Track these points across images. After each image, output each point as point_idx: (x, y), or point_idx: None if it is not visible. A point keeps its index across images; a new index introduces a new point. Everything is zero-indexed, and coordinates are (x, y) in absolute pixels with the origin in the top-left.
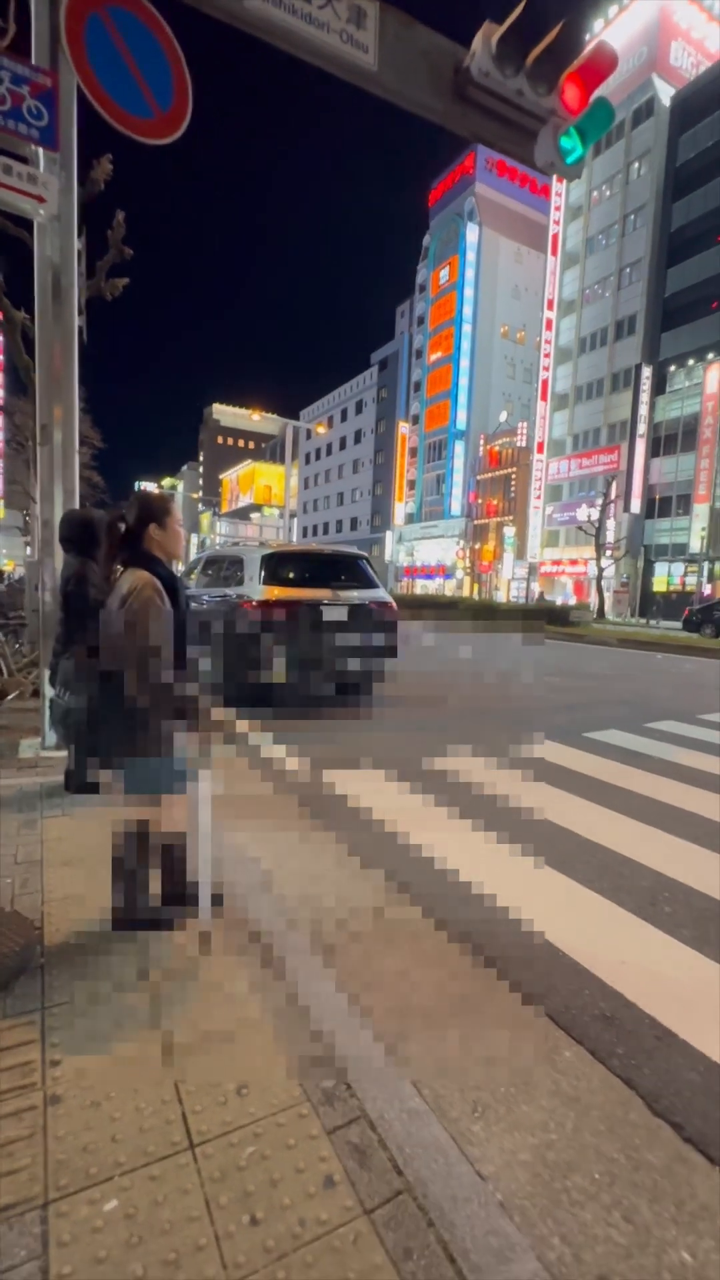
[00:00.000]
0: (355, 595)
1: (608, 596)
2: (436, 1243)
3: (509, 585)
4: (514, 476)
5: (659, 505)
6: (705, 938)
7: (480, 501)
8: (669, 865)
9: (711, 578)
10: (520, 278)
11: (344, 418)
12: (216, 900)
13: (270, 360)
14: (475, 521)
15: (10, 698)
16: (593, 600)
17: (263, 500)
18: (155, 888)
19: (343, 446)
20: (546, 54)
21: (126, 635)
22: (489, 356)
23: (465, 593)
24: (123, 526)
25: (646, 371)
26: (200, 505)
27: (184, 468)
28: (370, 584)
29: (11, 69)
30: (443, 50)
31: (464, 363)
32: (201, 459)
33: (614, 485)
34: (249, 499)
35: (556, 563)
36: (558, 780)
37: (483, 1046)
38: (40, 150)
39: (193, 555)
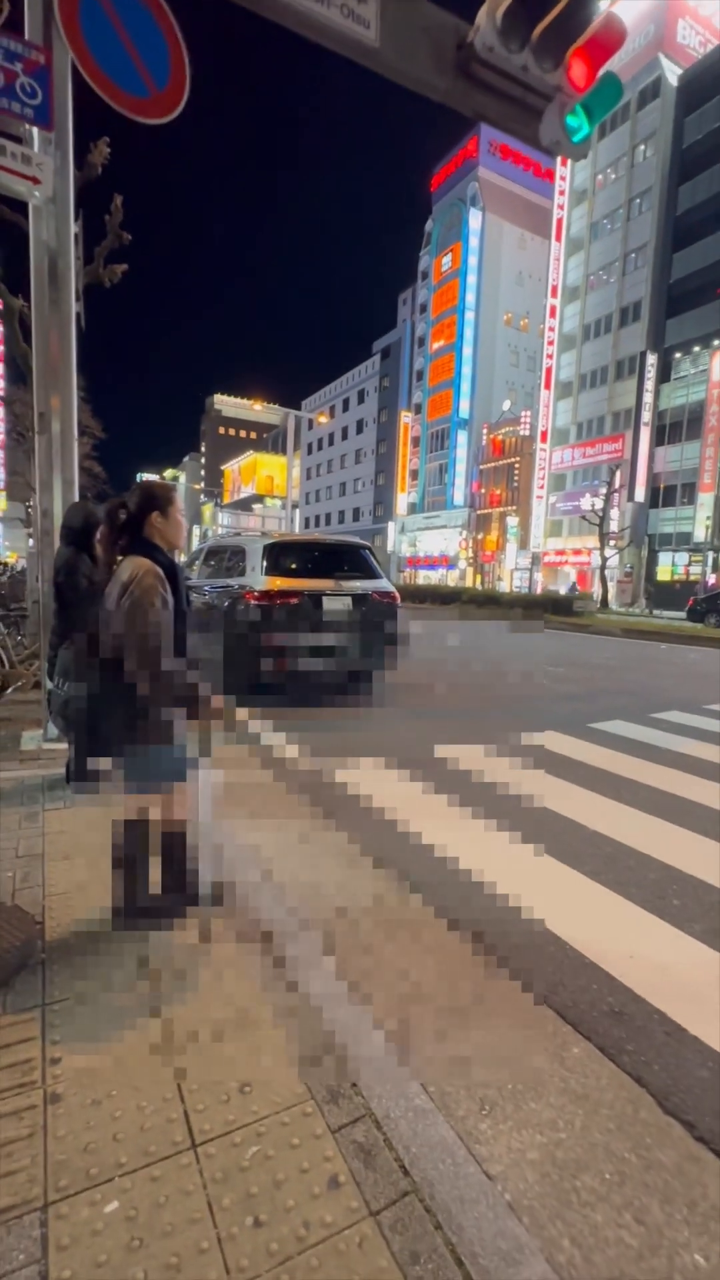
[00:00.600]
0: (358, 586)
1: (611, 586)
2: (444, 1245)
3: (512, 575)
4: (517, 466)
5: (663, 494)
6: (715, 931)
7: (483, 491)
8: (677, 857)
9: (716, 567)
10: (524, 264)
11: (346, 407)
12: (219, 892)
13: (272, 350)
14: (478, 511)
15: (12, 690)
16: (596, 590)
17: (265, 491)
18: (157, 879)
19: (345, 436)
20: (553, 28)
21: (127, 623)
22: (492, 344)
23: (468, 583)
24: (123, 514)
25: (651, 359)
26: (202, 496)
27: (186, 458)
28: (373, 574)
29: (4, 45)
30: (445, 25)
31: (467, 350)
32: (203, 450)
33: (618, 474)
34: (251, 490)
35: (560, 553)
36: (562, 771)
37: (489, 1043)
38: (35, 130)
39: (194, 546)
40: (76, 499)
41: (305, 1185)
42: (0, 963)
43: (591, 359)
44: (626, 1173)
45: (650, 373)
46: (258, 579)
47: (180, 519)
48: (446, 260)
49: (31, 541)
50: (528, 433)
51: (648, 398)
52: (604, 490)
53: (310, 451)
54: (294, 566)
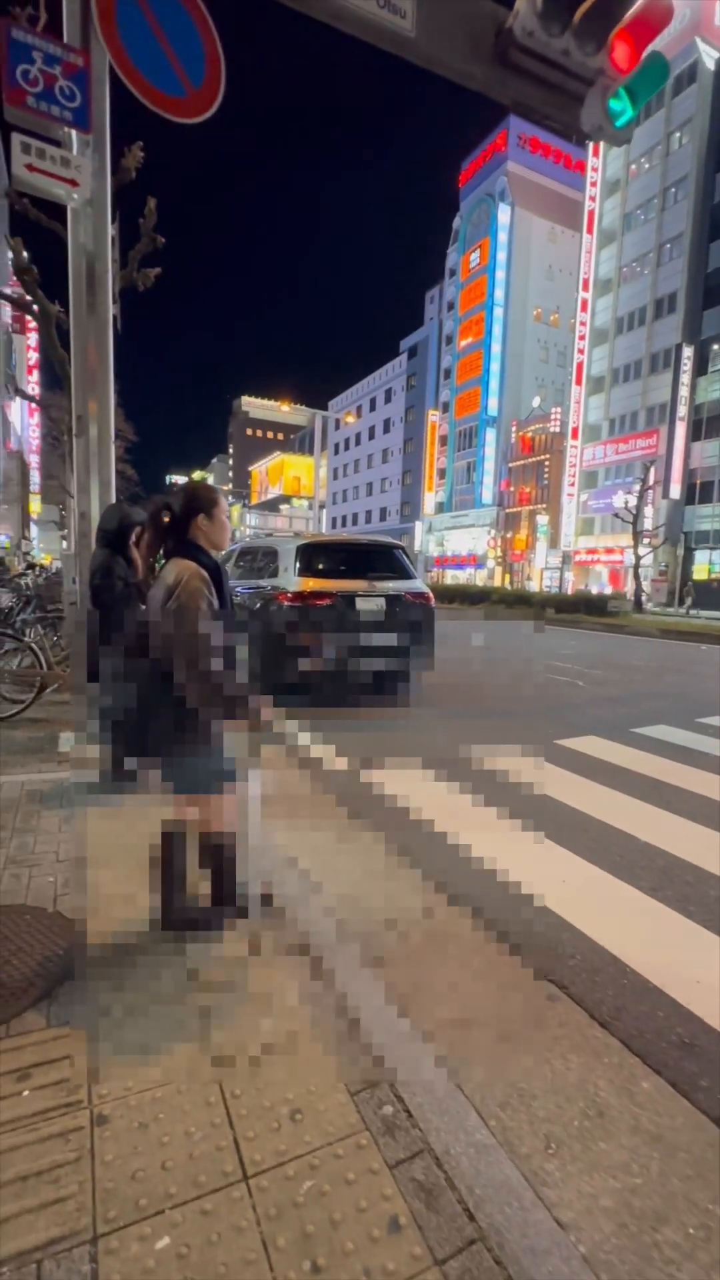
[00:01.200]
0: (391, 586)
1: (645, 585)
2: None
3: (542, 575)
4: (547, 463)
5: (700, 490)
6: None
7: (512, 489)
8: None
9: None
10: (554, 258)
11: (373, 407)
12: (266, 902)
13: (300, 351)
14: (507, 510)
15: (49, 690)
16: (629, 589)
17: (291, 491)
18: (202, 888)
19: (372, 436)
20: (596, 9)
21: (174, 627)
22: (521, 340)
23: (497, 583)
24: (167, 517)
25: (688, 351)
26: (230, 497)
27: (214, 460)
28: (407, 574)
29: (43, 48)
30: (483, 12)
31: (495, 347)
32: (231, 451)
33: (652, 470)
34: (278, 490)
35: (591, 551)
36: (606, 777)
37: (550, 1073)
38: (73, 133)
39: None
40: (113, 501)
41: (364, 1226)
42: (43, 972)
43: (625, 353)
44: (712, 1228)
45: (686, 366)
46: (290, 580)
47: (225, 521)
48: (475, 256)
49: (66, 544)
50: (558, 429)
51: (683, 391)
52: (637, 487)
53: (337, 451)
54: (327, 567)
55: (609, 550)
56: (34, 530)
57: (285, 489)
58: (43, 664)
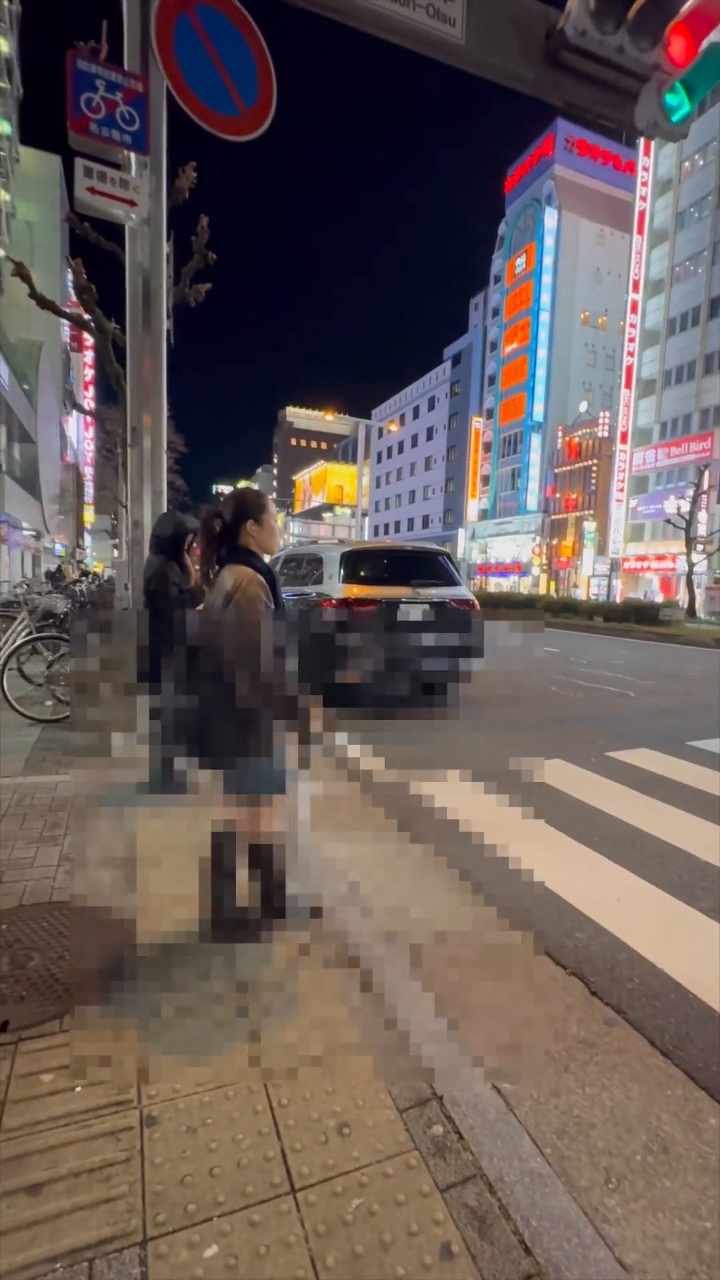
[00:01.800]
0: (435, 593)
1: (699, 593)
2: None
3: (589, 582)
4: (595, 469)
5: None
6: None
7: (558, 496)
8: None
9: None
10: (602, 260)
11: (416, 415)
12: (315, 911)
13: (343, 361)
14: (552, 517)
15: None
16: (682, 598)
17: (334, 500)
18: (252, 893)
19: (414, 444)
20: (651, 4)
21: (234, 632)
22: (568, 345)
23: (542, 590)
24: (218, 524)
25: None
26: (274, 506)
27: (258, 470)
28: (452, 581)
29: (105, 77)
30: (534, 14)
31: (541, 352)
32: (275, 461)
33: (706, 475)
34: (321, 499)
35: (641, 558)
36: (661, 792)
37: (609, 1101)
38: (131, 155)
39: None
40: (165, 510)
41: (415, 1251)
42: (95, 969)
43: (677, 354)
44: None
45: None
46: (335, 586)
47: (274, 525)
48: (520, 262)
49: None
50: (606, 434)
51: None
52: (690, 492)
53: (380, 460)
54: (372, 574)
55: (660, 557)
56: (88, 539)
57: (328, 497)
58: None
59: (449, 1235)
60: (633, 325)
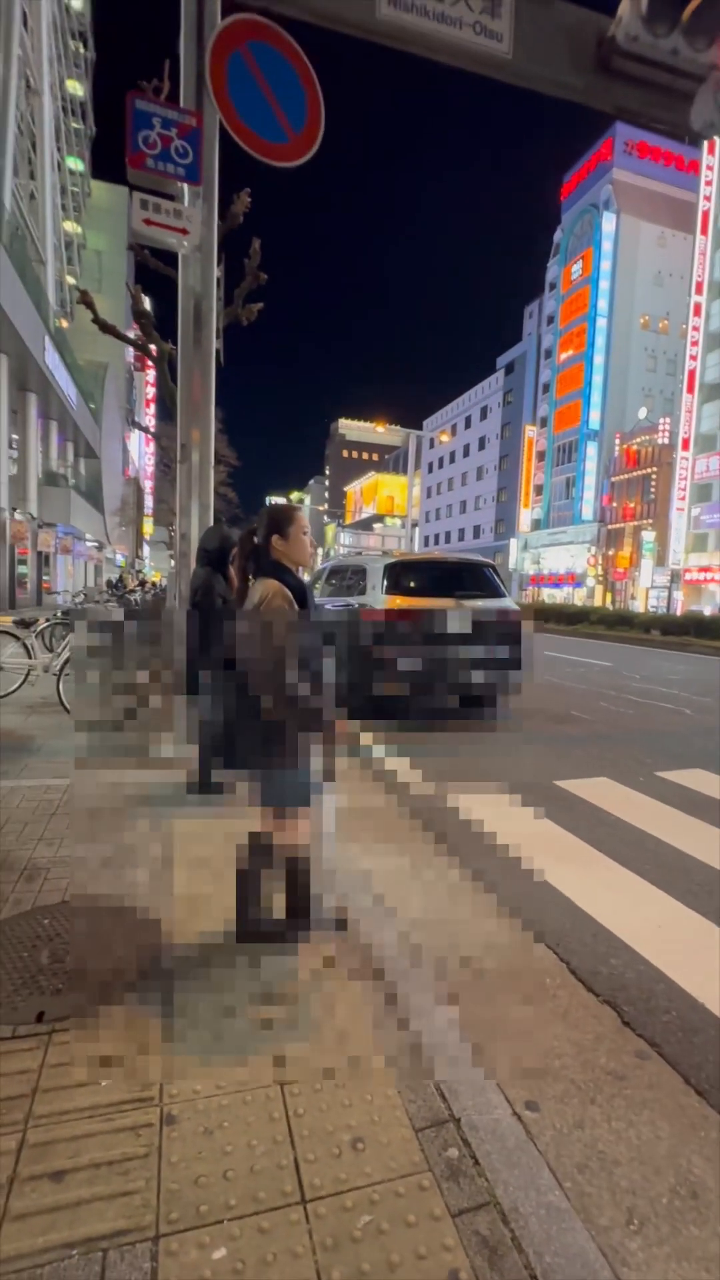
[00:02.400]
0: (480, 605)
1: None
2: None
3: (647, 594)
4: (654, 476)
5: None
6: None
7: (615, 505)
8: None
9: None
10: (663, 263)
11: (468, 425)
12: (341, 923)
13: (396, 372)
14: (609, 526)
15: None
16: None
17: (385, 510)
18: (280, 902)
19: (466, 454)
20: (705, 5)
21: (258, 643)
22: (626, 350)
23: (597, 602)
24: (255, 539)
25: None
26: (325, 517)
27: (311, 481)
28: (497, 593)
29: (161, 114)
30: (584, 23)
31: (598, 358)
32: (327, 472)
33: None
34: (372, 509)
35: (704, 569)
36: (717, 817)
37: (636, 1139)
38: (184, 186)
39: (317, 566)
40: (212, 523)
41: (422, 1275)
42: (127, 969)
43: None
44: None
45: None
46: (378, 598)
47: (302, 538)
48: (576, 268)
49: (173, 563)
50: (667, 441)
51: None
52: None
53: (431, 470)
54: (415, 585)
55: None
56: (146, 549)
57: (379, 508)
58: None
59: (458, 1262)
60: (695, 328)
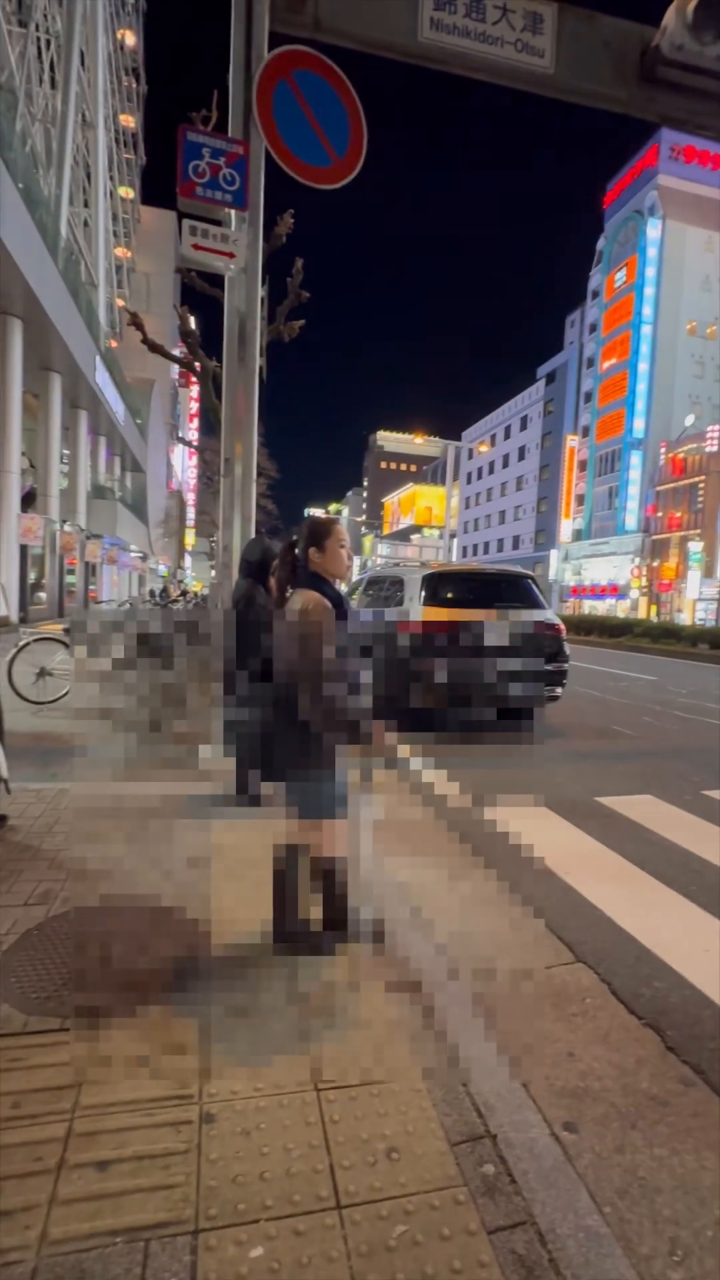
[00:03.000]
0: (519, 617)
1: None
2: None
3: (694, 606)
4: (702, 485)
5: None
6: None
7: (660, 515)
8: None
9: None
10: (711, 267)
11: (507, 435)
12: (377, 934)
13: (435, 383)
14: (654, 537)
15: None
16: None
17: (423, 521)
18: (316, 911)
19: (505, 464)
20: None
21: (295, 654)
22: (672, 358)
23: (641, 614)
24: (295, 551)
25: None
26: (363, 528)
27: (349, 493)
28: (536, 604)
29: (211, 145)
30: (627, 35)
31: (642, 366)
32: (366, 484)
33: None
34: (410, 520)
35: None
36: None
37: (680, 1168)
38: (231, 211)
39: (354, 577)
40: (253, 535)
41: None
42: (169, 969)
43: None
44: None
45: None
46: (415, 610)
47: (338, 549)
48: (620, 276)
49: (214, 574)
50: (716, 448)
51: None
52: None
53: (469, 481)
54: (453, 597)
55: None
56: (188, 560)
57: (417, 519)
58: None
59: None
60: None
